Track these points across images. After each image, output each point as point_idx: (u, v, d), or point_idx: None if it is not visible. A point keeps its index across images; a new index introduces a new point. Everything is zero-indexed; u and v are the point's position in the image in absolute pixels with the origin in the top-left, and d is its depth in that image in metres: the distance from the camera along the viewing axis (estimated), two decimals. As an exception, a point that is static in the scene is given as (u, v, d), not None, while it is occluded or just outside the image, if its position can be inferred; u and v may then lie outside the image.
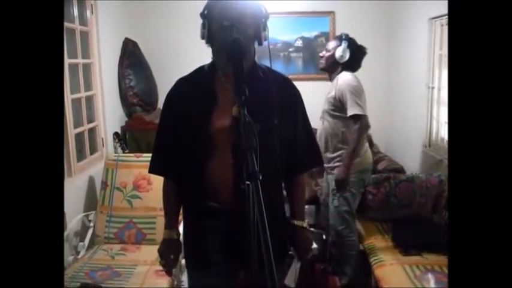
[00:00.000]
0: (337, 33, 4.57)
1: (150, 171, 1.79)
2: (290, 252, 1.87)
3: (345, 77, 2.97)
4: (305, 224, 1.81)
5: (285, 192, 1.84)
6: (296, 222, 1.79)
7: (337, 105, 2.97)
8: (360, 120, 2.89)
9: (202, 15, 1.57)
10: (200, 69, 1.71)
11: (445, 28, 3.51)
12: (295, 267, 2.67)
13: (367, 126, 2.95)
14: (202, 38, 1.58)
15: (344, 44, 2.99)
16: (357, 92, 2.90)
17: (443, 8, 3.35)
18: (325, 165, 3.10)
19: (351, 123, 2.93)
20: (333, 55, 3.03)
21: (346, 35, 3.04)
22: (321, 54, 3.16)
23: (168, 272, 1.82)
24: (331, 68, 3.09)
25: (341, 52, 2.99)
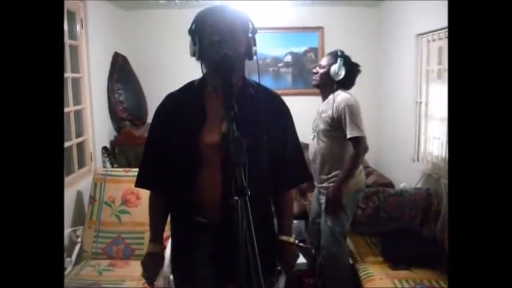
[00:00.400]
0: (326, 48, 4.64)
1: (136, 185, 1.79)
2: (278, 268, 1.86)
3: (343, 97, 2.88)
4: (292, 239, 1.80)
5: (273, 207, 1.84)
6: (283, 237, 1.79)
7: (334, 125, 2.88)
8: (359, 142, 2.82)
9: (190, 31, 1.58)
10: (190, 85, 1.71)
11: (432, 44, 3.57)
12: (282, 281, 2.65)
13: (365, 148, 2.86)
14: (193, 55, 1.58)
15: (340, 61, 2.90)
16: (356, 112, 2.83)
17: (429, 25, 3.41)
18: (319, 185, 3.03)
19: (348, 143, 2.87)
20: (327, 72, 2.94)
21: (342, 52, 2.97)
22: (314, 71, 3.06)
23: (150, 285, 1.81)
24: (325, 85, 2.99)
25: (337, 69, 2.89)
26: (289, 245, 1.79)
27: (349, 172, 2.86)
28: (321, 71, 2.99)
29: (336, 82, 2.93)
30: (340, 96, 2.89)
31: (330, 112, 2.89)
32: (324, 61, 3.03)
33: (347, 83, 2.97)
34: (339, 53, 2.95)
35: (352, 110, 2.81)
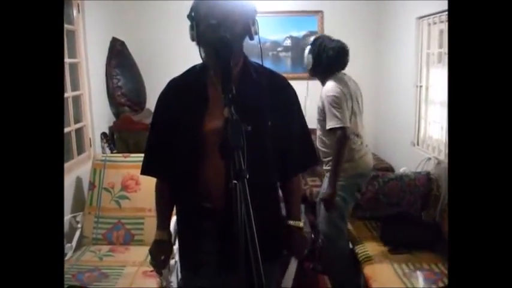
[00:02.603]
0: (326, 32, 4.57)
1: (142, 173, 1.77)
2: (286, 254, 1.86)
3: (326, 87, 2.88)
4: (301, 224, 1.79)
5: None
6: (291, 222, 1.78)
7: (323, 116, 2.89)
8: (336, 133, 2.79)
9: (189, 17, 1.55)
10: (192, 70, 1.69)
11: (432, 27, 3.53)
12: (292, 267, 2.65)
13: (344, 138, 2.79)
14: (193, 39, 1.55)
15: (306, 50, 2.94)
16: (335, 102, 2.79)
17: (430, 8, 3.38)
18: (323, 168, 3.03)
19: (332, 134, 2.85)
20: None
21: (315, 39, 2.95)
22: None
23: (159, 272, 1.81)
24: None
25: (305, 59, 2.95)
26: (298, 230, 1.78)
27: (336, 166, 2.81)
28: None
29: (314, 70, 2.95)
30: (325, 87, 2.89)
31: (319, 103, 2.92)
32: None
33: (325, 69, 2.92)
34: (311, 40, 2.96)
35: (330, 101, 2.80)
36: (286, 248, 1.83)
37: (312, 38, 2.97)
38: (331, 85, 2.86)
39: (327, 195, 2.85)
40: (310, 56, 2.90)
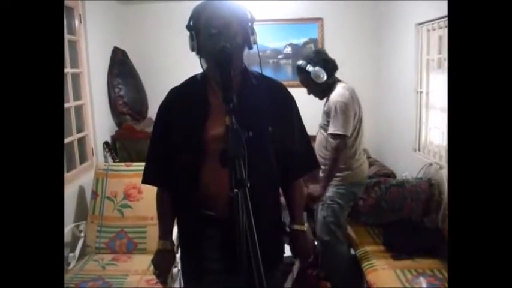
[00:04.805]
0: (326, 39, 4.64)
1: (143, 182, 1.78)
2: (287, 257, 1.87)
3: (337, 92, 2.91)
4: (305, 228, 1.80)
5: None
6: (296, 226, 1.79)
7: (328, 120, 2.91)
8: (335, 139, 2.83)
9: (188, 27, 1.58)
10: (193, 79, 1.71)
11: (432, 33, 3.55)
12: (295, 271, 2.66)
13: (343, 146, 2.84)
14: (192, 50, 1.58)
15: (308, 66, 2.94)
16: (343, 108, 2.82)
17: (429, 14, 3.39)
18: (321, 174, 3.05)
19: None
20: (311, 80, 2.98)
21: (305, 63, 2.98)
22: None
23: (163, 282, 1.81)
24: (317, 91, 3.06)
25: (315, 73, 2.93)
26: (302, 233, 1.79)
27: (331, 170, 2.87)
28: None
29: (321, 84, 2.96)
30: (336, 91, 2.92)
31: (325, 107, 2.96)
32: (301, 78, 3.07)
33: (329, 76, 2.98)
34: (303, 65, 2.97)
35: (338, 106, 2.83)
36: (292, 252, 1.84)
37: (301, 62, 3.00)
38: (342, 91, 2.91)
39: (316, 193, 2.91)
40: (318, 68, 2.91)
